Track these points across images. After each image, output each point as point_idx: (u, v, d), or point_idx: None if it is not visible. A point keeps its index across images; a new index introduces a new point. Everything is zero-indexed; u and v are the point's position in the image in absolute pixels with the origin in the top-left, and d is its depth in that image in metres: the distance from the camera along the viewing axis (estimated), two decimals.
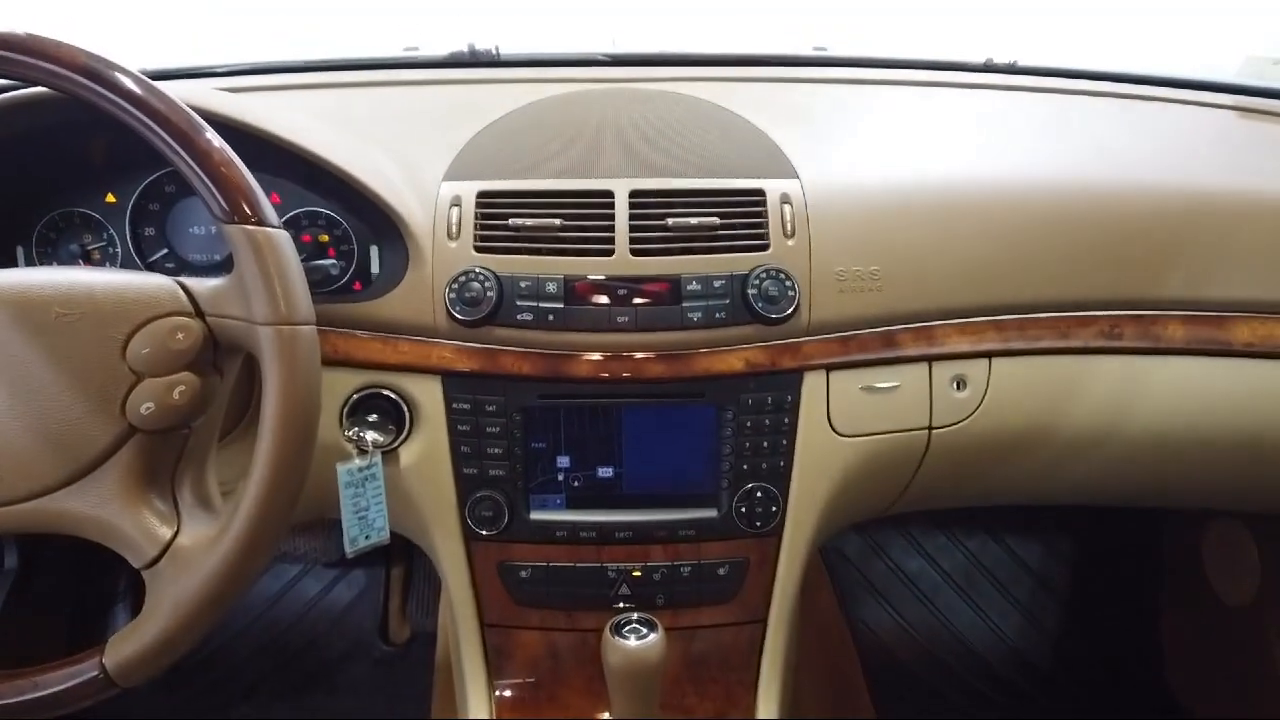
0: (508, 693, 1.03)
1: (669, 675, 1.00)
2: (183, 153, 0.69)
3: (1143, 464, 1.10)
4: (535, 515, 0.98)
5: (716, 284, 0.92)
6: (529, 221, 0.92)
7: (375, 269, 0.99)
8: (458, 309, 0.90)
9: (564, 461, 0.97)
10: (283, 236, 0.72)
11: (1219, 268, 1.02)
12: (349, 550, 0.93)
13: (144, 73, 0.71)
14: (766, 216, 0.94)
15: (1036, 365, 1.01)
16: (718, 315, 0.92)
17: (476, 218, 0.93)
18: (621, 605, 0.99)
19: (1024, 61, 1.35)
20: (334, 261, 0.97)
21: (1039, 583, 1.84)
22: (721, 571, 1.00)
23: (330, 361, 0.91)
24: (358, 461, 0.92)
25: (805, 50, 1.44)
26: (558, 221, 0.92)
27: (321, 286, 0.97)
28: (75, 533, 0.72)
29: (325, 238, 0.99)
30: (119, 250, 0.99)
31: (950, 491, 1.14)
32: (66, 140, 0.95)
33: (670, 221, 0.92)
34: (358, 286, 0.99)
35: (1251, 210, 1.03)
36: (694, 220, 0.92)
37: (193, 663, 1.71)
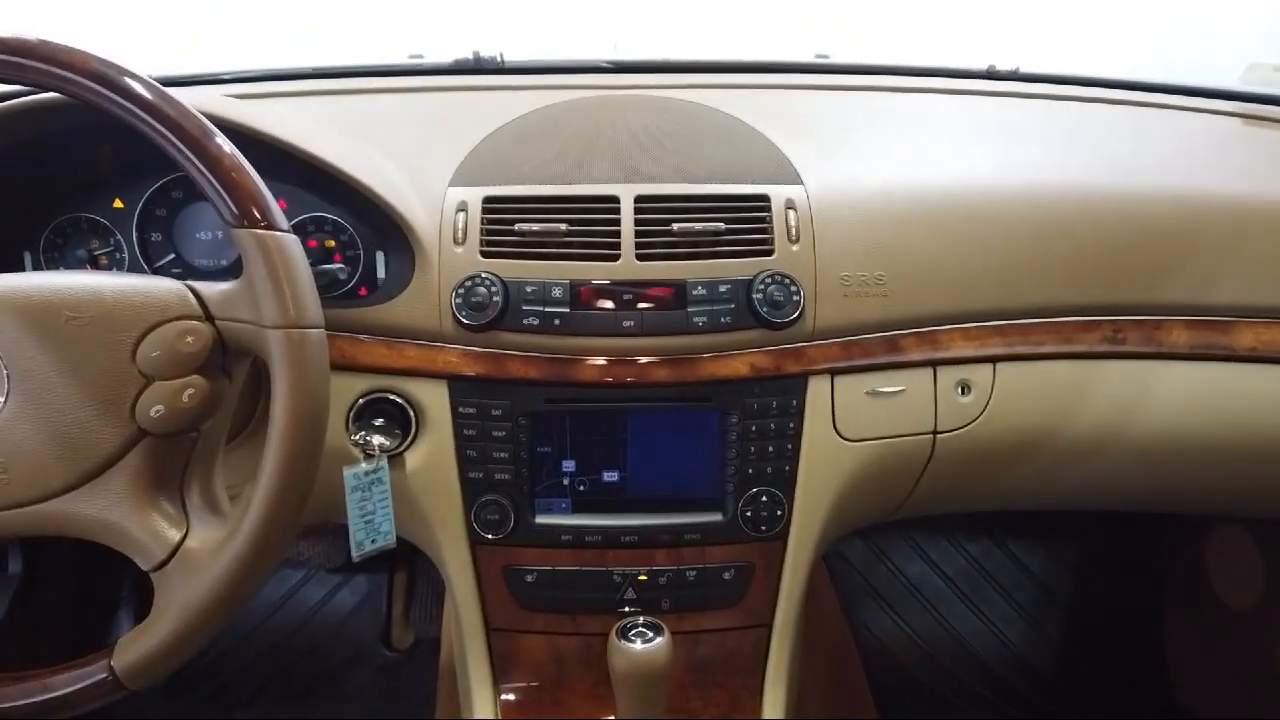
0: (512, 696, 1.03)
1: (673, 680, 1.00)
2: (194, 158, 0.70)
3: (1146, 468, 1.10)
4: (541, 519, 0.98)
5: (722, 289, 0.92)
6: (535, 227, 0.92)
7: (381, 274, 0.99)
8: (464, 314, 0.91)
9: (569, 466, 0.98)
10: (292, 241, 0.72)
11: (1222, 273, 1.02)
12: (355, 554, 0.93)
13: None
14: (771, 222, 0.95)
15: (1040, 370, 1.01)
16: (723, 320, 0.92)
17: (482, 223, 0.93)
18: (626, 609, 0.99)
19: (1026, 69, 1.36)
20: (342, 266, 0.98)
21: (1042, 588, 1.84)
22: (727, 576, 1.00)
23: (336, 366, 0.91)
24: (364, 466, 0.92)
25: (807, 57, 1.44)
26: (563, 227, 0.93)
27: (328, 291, 0.98)
28: (84, 535, 0.72)
29: (331, 243, 0.99)
30: (125, 255, 1.00)
31: (955, 496, 1.14)
32: (74, 146, 0.95)
33: (675, 227, 0.93)
34: (363, 292, 1.00)
35: (1254, 216, 1.03)
36: (699, 226, 0.93)
37: (196, 669, 1.71)
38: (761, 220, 0.95)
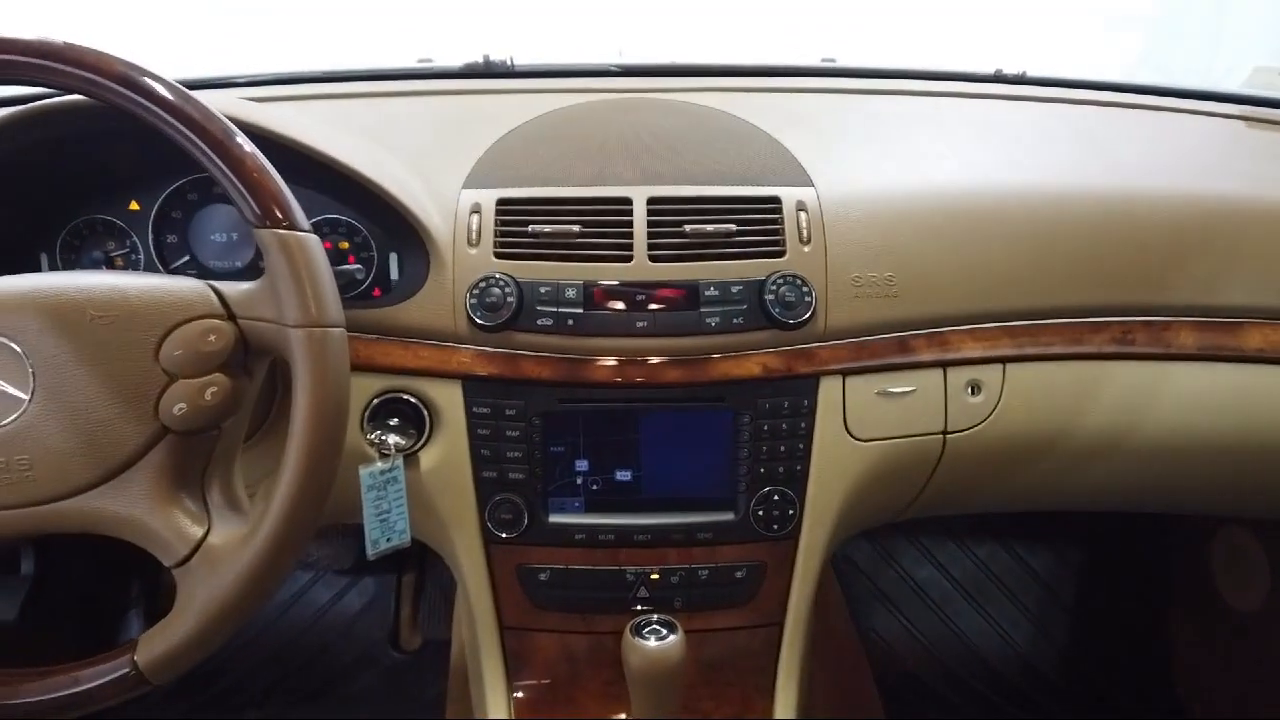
0: (525, 695, 1.04)
1: (685, 679, 1.01)
2: (218, 159, 0.71)
3: (1154, 469, 1.11)
4: (554, 518, 0.99)
5: (734, 290, 0.93)
6: (548, 228, 0.93)
7: (395, 275, 1.00)
8: (478, 314, 0.91)
9: (583, 465, 0.98)
10: (313, 240, 0.73)
11: (1229, 274, 1.03)
12: (371, 552, 0.94)
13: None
14: (783, 223, 0.95)
15: (1050, 371, 1.02)
16: (735, 321, 0.93)
17: (496, 224, 0.94)
18: (639, 608, 1.00)
19: (1033, 72, 1.37)
20: (359, 267, 0.99)
21: (1048, 590, 1.85)
22: (739, 575, 1.01)
23: (352, 366, 0.92)
24: (380, 465, 0.93)
25: (814, 61, 1.45)
26: (577, 228, 0.93)
27: (343, 293, 0.98)
28: (107, 532, 0.73)
29: (345, 244, 1.00)
30: (141, 257, 1.00)
31: (964, 496, 1.14)
32: (90, 148, 0.96)
33: (688, 228, 0.94)
34: (377, 293, 1.00)
35: (1260, 217, 1.04)
36: (711, 227, 0.94)
37: (204, 670, 1.71)
38: (773, 222, 0.96)
